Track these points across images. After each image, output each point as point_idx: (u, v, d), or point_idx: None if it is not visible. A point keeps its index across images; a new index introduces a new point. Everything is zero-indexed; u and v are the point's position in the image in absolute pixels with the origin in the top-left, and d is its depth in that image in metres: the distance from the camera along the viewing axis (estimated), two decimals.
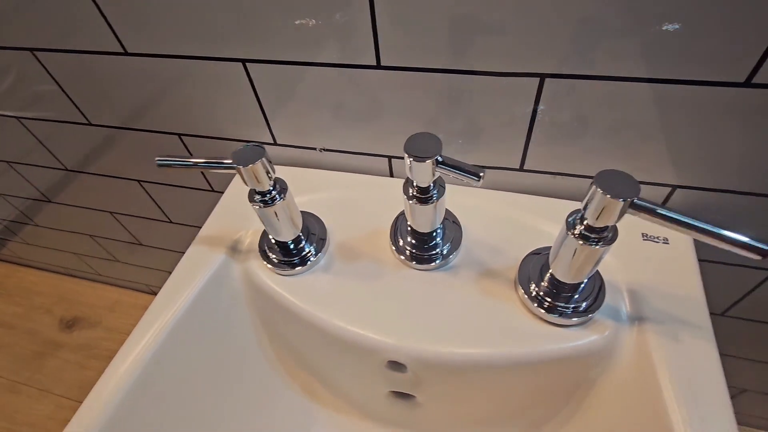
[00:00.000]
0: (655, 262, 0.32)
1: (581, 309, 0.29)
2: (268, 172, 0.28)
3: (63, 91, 0.44)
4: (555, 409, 0.33)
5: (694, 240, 0.36)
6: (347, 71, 0.33)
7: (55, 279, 0.98)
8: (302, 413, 0.40)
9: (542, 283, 0.30)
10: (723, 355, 0.46)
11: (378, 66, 0.32)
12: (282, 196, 0.30)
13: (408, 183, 0.29)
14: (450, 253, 0.33)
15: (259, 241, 0.36)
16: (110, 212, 0.64)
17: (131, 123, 0.46)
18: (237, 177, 0.42)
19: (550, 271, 0.29)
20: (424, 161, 0.25)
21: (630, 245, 0.33)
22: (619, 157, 0.32)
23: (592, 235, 0.24)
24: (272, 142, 0.42)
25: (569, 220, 0.25)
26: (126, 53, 0.37)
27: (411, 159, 0.25)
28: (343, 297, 0.32)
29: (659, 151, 0.31)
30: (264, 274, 0.35)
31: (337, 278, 0.34)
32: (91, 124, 0.48)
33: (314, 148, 0.41)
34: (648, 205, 0.22)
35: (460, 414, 0.36)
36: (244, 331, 0.37)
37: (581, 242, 0.24)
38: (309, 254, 0.34)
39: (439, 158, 0.25)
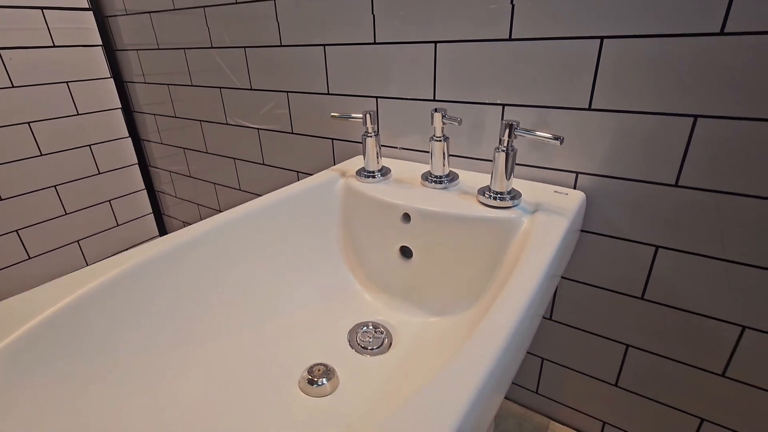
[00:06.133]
0: (556, 200, 0.58)
1: (506, 200, 0.56)
2: (371, 120, 0.65)
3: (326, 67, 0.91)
4: (488, 264, 0.56)
5: (587, 199, 0.61)
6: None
7: None
8: (344, 277, 0.67)
9: (488, 192, 0.58)
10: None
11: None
12: (374, 137, 0.66)
13: (432, 136, 0.63)
14: (450, 183, 0.63)
15: (356, 171, 0.71)
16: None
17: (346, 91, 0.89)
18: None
19: (490, 185, 0.58)
20: (436, 113, 0.59)
21: (546, 195, 0.59)
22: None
23: (505, 147, 0.54)
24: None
25: (495, 148, 0.56)
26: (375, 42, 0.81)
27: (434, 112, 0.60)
28: (388, 192, 0.64)
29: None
30: (354, 182, 0.68)
31: (388, 186, 0.66)
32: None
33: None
34: (519, 129, 0.52)
35: (438, 269, 0.60)
36: (334, 212, 0.69)
37: (500, 151, 0.54)
38: (378, 174, 0.68)
39: (443, 112, 0.59)
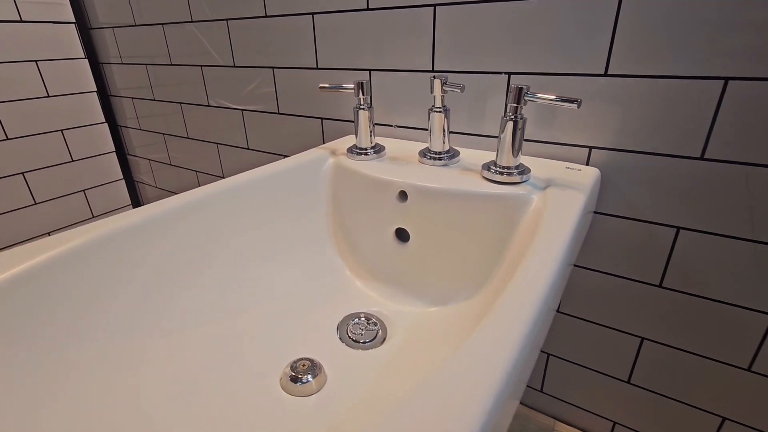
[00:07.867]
0: (569, 176, 0.52)
1: (514, 175, 0.50)
2: (363, 91, 0.59)
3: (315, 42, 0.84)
4: (494, 247, 0.50)
5: (601, 176, 0.55)
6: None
7: None
8: (333, 263, 0.61)
9: (493, 167, 0.52)
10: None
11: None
12: (367, 110, 0.60)
13: (431, 107, 0.57)
14: (450, 159, 0.57)
15: (347, 148, 0.64)
16: None
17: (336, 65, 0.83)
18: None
19: (495, 160, 0.52)
20: (436, 80, 0.53)
21: (558, 171, 0.54)
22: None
23: (513, 115, 0.49)
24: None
25: (502, 117, 0.50)
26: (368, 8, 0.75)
27: (434, 77, 0.54)
28: (382, 169, 0.58)
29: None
30: (345, 159, 0.62)
31: (382, 164, 0.59)
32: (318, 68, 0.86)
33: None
34: (530, 93, 0.47)
35: (437, 253, 0.54)
36: (323, 192, 0.63)
37: (509, 119, 0.49)
38: (371, 151, 0.62)
39: (444, 79, 0.53)
